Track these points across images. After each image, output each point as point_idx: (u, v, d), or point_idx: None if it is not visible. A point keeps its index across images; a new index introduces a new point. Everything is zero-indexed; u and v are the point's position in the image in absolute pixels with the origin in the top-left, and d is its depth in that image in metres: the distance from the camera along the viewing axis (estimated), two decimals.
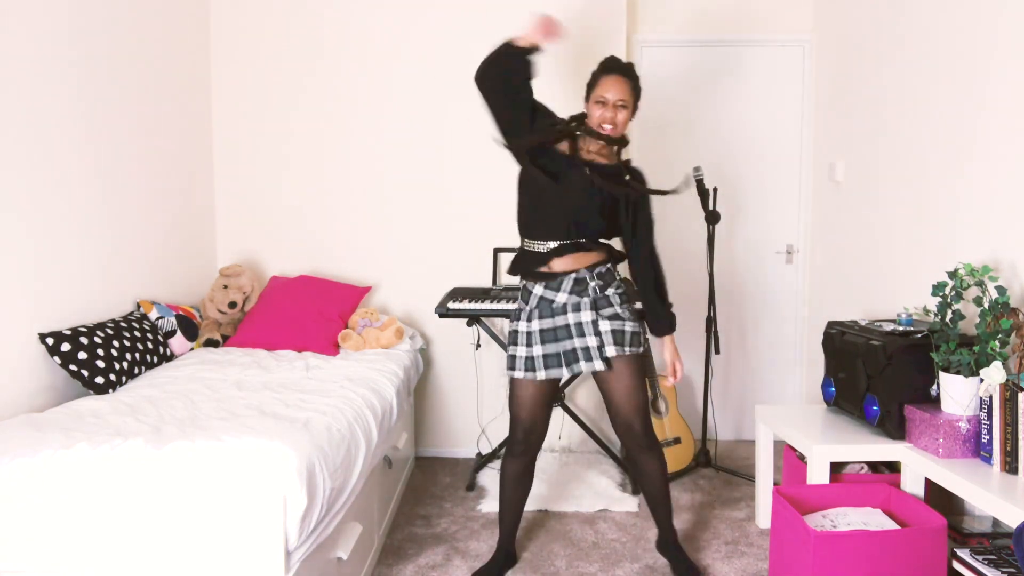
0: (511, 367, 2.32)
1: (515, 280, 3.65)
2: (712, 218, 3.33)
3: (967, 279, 2.25)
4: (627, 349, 2.27)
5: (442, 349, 3.74)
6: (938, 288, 2.31)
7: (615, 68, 2.27)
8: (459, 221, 3.68)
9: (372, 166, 3.69)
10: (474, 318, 3.37)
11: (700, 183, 3.29)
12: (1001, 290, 2.14)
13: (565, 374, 2.28)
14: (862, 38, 3.29)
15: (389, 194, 3.70)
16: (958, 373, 2.18)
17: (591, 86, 2.30)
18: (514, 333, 2.33)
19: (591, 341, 2.26)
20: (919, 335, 2.37)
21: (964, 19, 2.56)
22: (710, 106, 3.87)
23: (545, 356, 2.27)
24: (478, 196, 3.67)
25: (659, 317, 2.38)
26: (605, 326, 2.26)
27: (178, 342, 3.02)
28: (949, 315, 2.30)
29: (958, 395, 2.18)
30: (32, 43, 2.39)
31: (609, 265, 2.34)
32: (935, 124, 2.72)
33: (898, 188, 2.97)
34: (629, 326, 2.30)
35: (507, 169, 3.70)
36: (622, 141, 2.33)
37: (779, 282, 3.94)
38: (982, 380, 2.08)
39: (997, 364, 2.04)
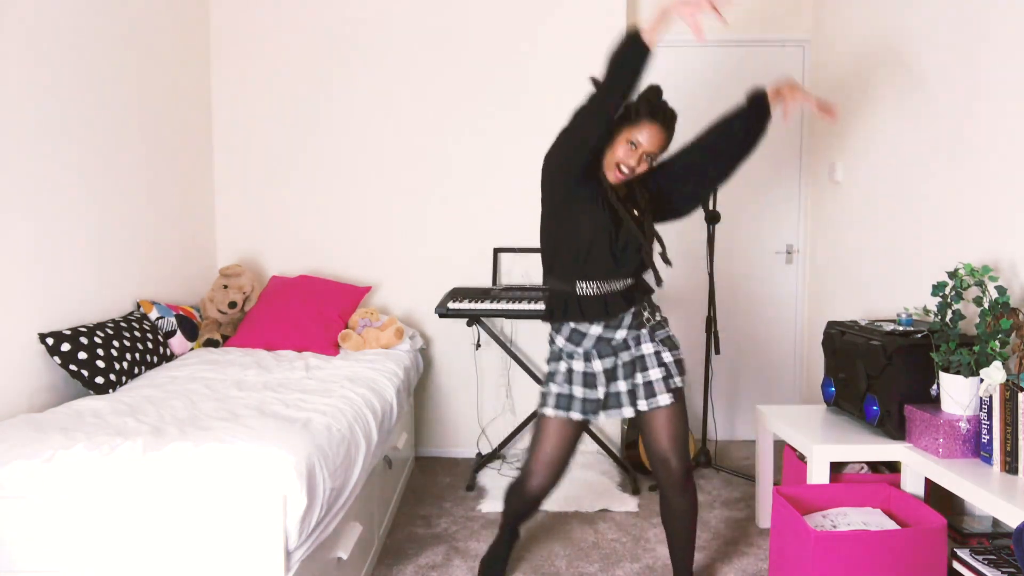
0: (564, 407, 2.13)
1: (514, 280, 3.67)
2: (712, 218, 3.33)
3: (967, 279, 2.25)
4: (683, 379, 2.19)
5: (442, 349, 3.74)
6: (938, 288, 2.31)
7: (660, 116, 2.05)
8: (459, 221, 3.68)
9: (372, 166, 3.69)
10: (474, 318, 3.37)
11: None
12: (1001, 290, 2.14)
13: (628, 413, 2.14)
14: (862, 38, 3.29)
15: (389, 194, 3.70)
16: (958, 373, 2.18)
17: (629, 120, 2.04)
18: (568, 372, 2.14)
19: (655, 374, 2.12)
20: (919, 335, 2.37)
21: (964, 19, 2.56)
22: (710, 106, 3.86)
23: (608, 396, 2.15)
24: (478, 196, 3.67)
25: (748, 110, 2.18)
26: (668, 357, 2.16)
27: (178, 342, 3.02)
28: (949, 315, 2.30)
29: (958, 395, 2.18)
30: (32, 43, 2.39)
31: (645, 287, 2.22)
32: (935, 124, 2.72)
33: (898, 188, 2.97)
34: (680, 354, 2.20)
35: (507, 169, 3.73)
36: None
37: (779, 282, 3.94)
38: (982, 380, 2.08)
39: (997, 364, 2.04)
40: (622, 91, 1.94)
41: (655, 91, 2.10)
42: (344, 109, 3.67)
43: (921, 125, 2.81)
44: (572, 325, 2.14)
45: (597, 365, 2.13)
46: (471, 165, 3.66)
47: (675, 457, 2.16)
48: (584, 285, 2.10)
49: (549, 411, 2.16)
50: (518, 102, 3.64)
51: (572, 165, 2.05)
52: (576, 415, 2.14)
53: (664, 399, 2.12)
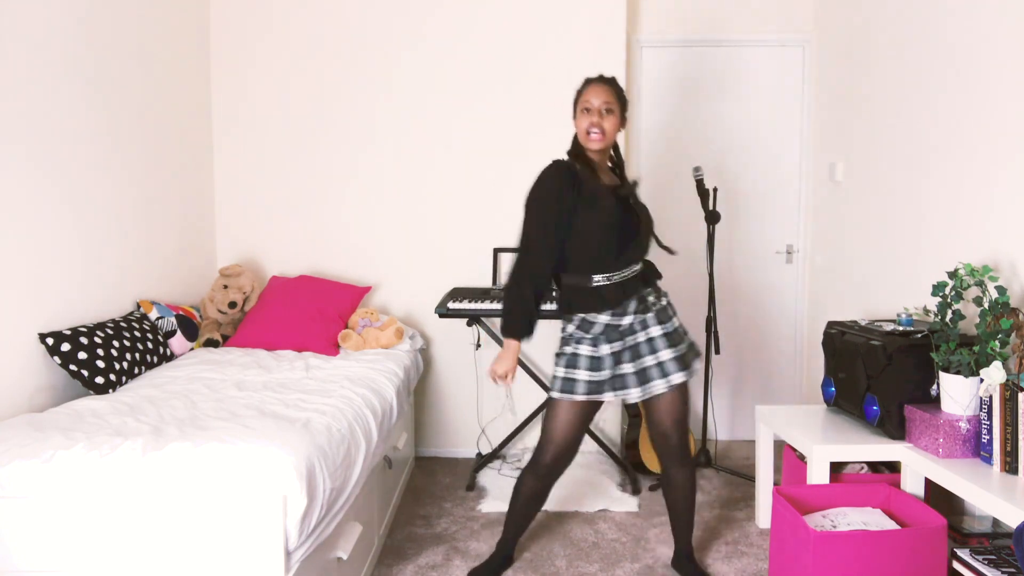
0: (568, 390, 2.25)
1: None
2: (712, 218, 3.33)
3: (967, 279, 2.25)
4: (689, 373, 2.30)
5: (442, 349, 3.74)
6: (938, 288, 2.31)
7: (595, 78, 2.32)
8: (459, 221, 3.68)
9: (372, 166, 3.69)
10: (474, 318, 3.37)
11: (700, 183, 3.29)
12: (1001, 290, 2.14)
13: (635, 395, 2.25)
14: (862, 38, 3.29)
15: (389, 194, 3.70)
16: (958, 373, 2.18)
17: (576, 102, 2.32)
18: (573, 356, 2.27)
19: (665, 354, 2.25)
20: (919, 335, 2.37)
21: (964, 18, 2.56)
22: (710, 106, 3.87)
23: (613, 378, 2.25)
24: (478, 196, 3.67)
25: None
26: (676, 351, 2.27)
27: (178, 342, 3.02)
28: (949, 315, 2.30)
29: (958, 395, 2.18)
30: (32, 44, 2.39)
31: (652, 272, 2.37)
32: (935, 124, 2.72)
33: (898, 188, 2.97)
34: (691, 337, 2.36)
35: (507, 169, 3.73)
36: (616, 156, 2.39)
37: (779, 282, 3.94)
38: (982, 380, 2.08)
39: (997, 364, 2.04)
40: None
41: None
42: (344, 109, 3.67)
43: (921, 125, 2.81)
44: (582, 315, 2.27)
45: (605, 349, 2.26)
46: (471, 165, 3.66)
47: (675, 433, 2.33)
48: (598, 278, 2.24)
49: (555, 394, 2.29)
50: (518, 102, 3.64)
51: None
52: (579, 397, 2.25)
53: (677, 377, 2.24)
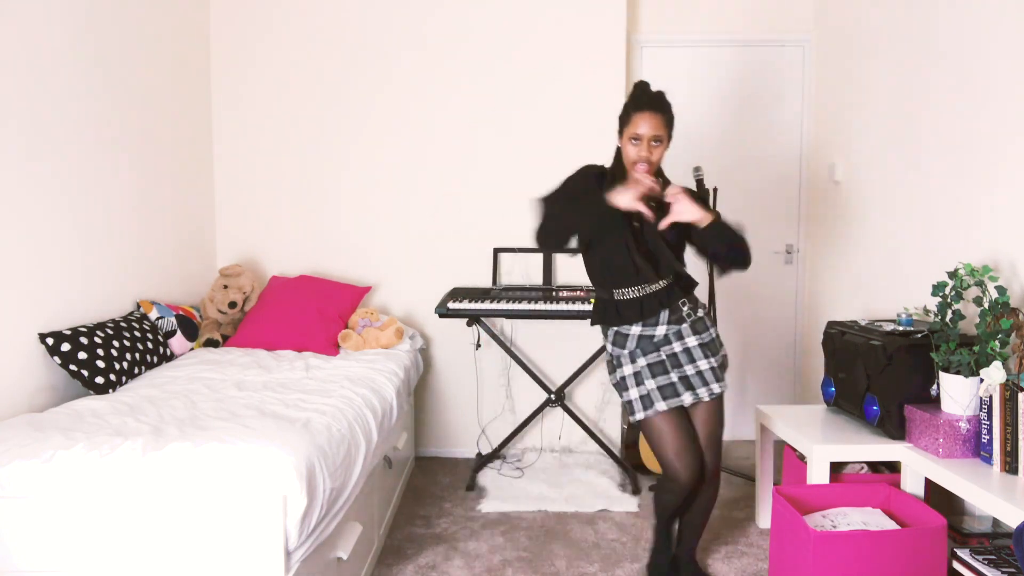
0: (647, 406, 2.22)
1: (515, 280, 3.67)
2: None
3: (967, 279, 2.25)
4: (724, 385, 2.28)
5: (442, 349, 3.74)
6: (938, 288, 2.31)
7: (646, 104, 2.17)
8: (459, 221, 3.68)
9: (372, 166, 3.69)
10: (474, 318, 3.37)
11: (700, 183, 3.28)
12: (1001, 290, 2.14)
13: (688, 400, 2.21)
14: (862, 38, 3.29)
15: (389, 194, 3.70)
16: (958, 373, 2.18)
17: (623, 122, 2.21)
18: (622, 380, 2.27)
19: (704, 364, 2.24)
20: (919, 335, 2.37)
21: (964, 18, 2.56)
22: (710, 106, 3.87)
23: (660, 388, 2.22)
24: (478, 196, 3.67)
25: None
26: (715, 361, 2.26)
27: (178, 342, 3.02)
28: (949, 315, 2.30)
29: (958, 395, 2.18)
30: (32, 44, 2.39)
31: (687, 283, 2.32)
32: (935, 123, 2.72)
33: (898, 188, 2.97)
34: (725, 351, 2.34)
35: (507, 169, 3.73)
36: (658, 175, 2.28)
37: (779, 282, 3.93)
38: (982, 380, 2.08)
39: (997, 364, 2.04)
40: (555, 238, 2.20)
41: (636, 86, 2.24)
42: (344, 109, 3.67)
43: (921, 125, 2.81)
44: (615, 328, 2.28)
45: (641, 361, 2.25)
46: (471, 165, 3.66)
47: (709, 453, 2.27)
48: (620, 292, 2.25)
49: (640, 415, 2.24)
50: (519, 102, 3.63)
51: (563, 243, 2.24)
52: (661, 406, 2.21)
53: (707, 392, 2.23)
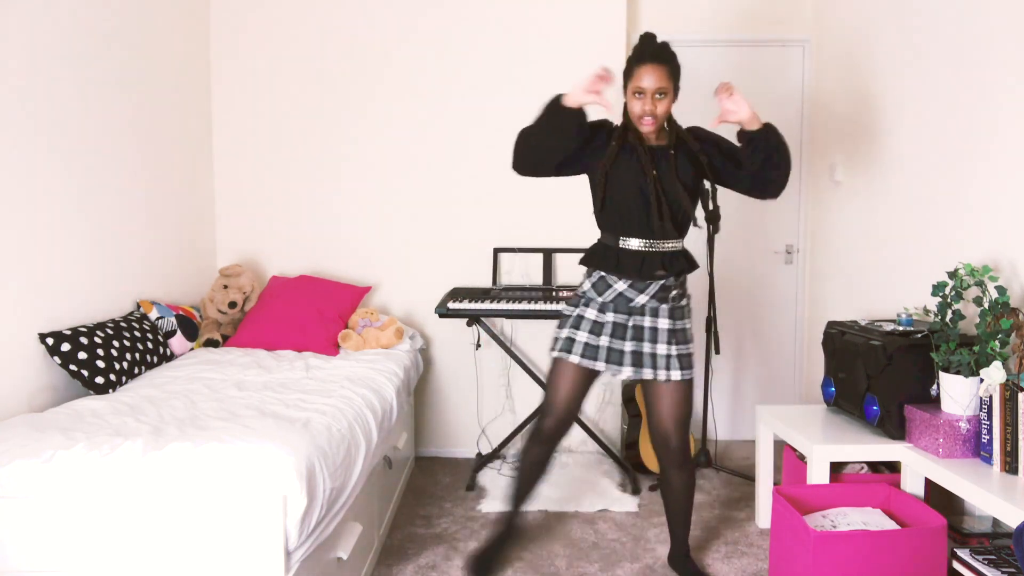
0: (566, 349, 2.25)
1: (514, 280, 3.67)
2: (712, 218, 3.32)
3: (967, 279, 2.25)
4: (690, 373, 2.27)
5: (442, 349, 3.74)
6: (938, 288, 2.31)
7: (648, 56, 2.15)
8: (459, 221, 3.68)
9: (372, 166, 3.69)
10: (474, 318, 3.37)
11: None
12: (1001, 290, 2.14)
13: (627, 374, 2.24)
14: (862, 38, 3.29)
15: (389, 194, 3.70)
16: (958, 373, 2.18)
17: (626, 76, 2.20)
18: (578, 318, 2.26)
19: (662, 349, 2.23)
20: (919, 335, 2.37)
21: (964, 17, 2.56)
22: (710, 106, 3.86)
23: (609, 349, 2.23)
24: (478, 196, 3.67)
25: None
26: (678, 349, 2.24)
27: (178, 342, 3.02)
28: (949, 315, 2.30)
29: (958, 395, 2.18)
30: (32, 44, 2.39)
31: (686, 272, 2.31)
32: (935, 123, 2.72)
33: (898, 188, 2.97)
34: (693, 348, 2.31)
35: (507, 169, 3.71)
36: (668, 121, 2.28)
37: (779, 282, 3.93)
38: (982, 380, 2.08)
39: (997, 364, 2.04)
40: (547, 134, 2.16)
41: (641, 37, 2.23)
42: (344, 109, 3.67)
43: (921, 125, 2.81)
44: (602, 273, 2.25)
45: (609, 316, 2.24)
46: (471, 164, 3.66)
47: (675, 437, 2.30)
48: (627, 241, 2.22)
49: (555, 353, 2.29)
50: (518, 101, 3.62)
51: (544, 166, 2.22)
52: (575, 358, 2.24)
53: (664, 375, 2.22)
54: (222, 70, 3.66)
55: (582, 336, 2.25)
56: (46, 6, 2.46)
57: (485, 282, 3.67)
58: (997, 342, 2.11)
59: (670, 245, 2.24)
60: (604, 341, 2.24)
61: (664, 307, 2.25)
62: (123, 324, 2.69)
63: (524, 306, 3.17)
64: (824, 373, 2.77)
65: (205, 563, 1.77)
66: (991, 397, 2.07)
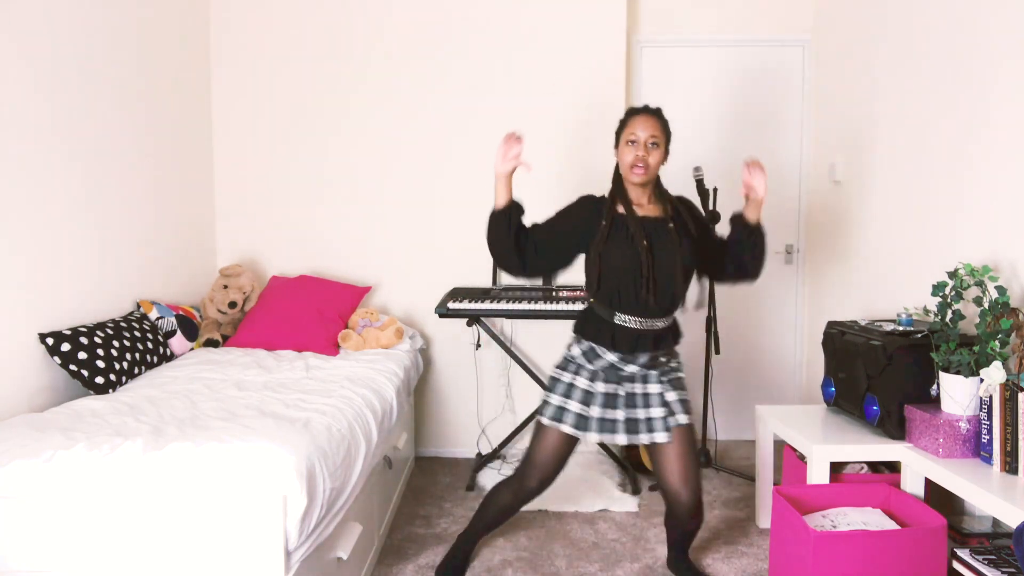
0: (557, 419, 2.22)
1: (514, 280, 3.66)
2: (712, 218, 3.32)
3: (967, 279, 2.25)
4: (690, 417, 2.24)
5: (442, 349, 3.74)
6: (938, 288, 2.31)
7: (643, 109, 2.21)
8: (459, 221, 3.68)
9: (372, 166, 3.69)
10: (474, 318, 3.37)
11: (700, 183, 3.29)
12: (1001, 290, 2.14)
13: (622, 440, 2.20)
14: (862, 38, 3.29)
15: (389, 194, 3.70)
16: (958, 373, 2.18)
17: (620, 130, 2.22)
18: (569, 386, 2.23)
19: (656, 412, 2.20)
20: (919, 335, 2.37)
21: (964, 18, 2.56)
22: (710, 106, 3.87)
23: (601, 420, 2.20)
24: (478, 196, 3.65)
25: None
26: (672, 396, 2.22)
27: (178, 342, 3.02)
28: (949, 315, 2.30)
29: (958, 395, 2.18)
30: (31, 43, 2.39)
31: (673, 346, 2.29)
32: (935, 124, 2.72)
33: (898, 188, 2.97)
34: (687, 396, 2.28)
35: None
36: (658, 188, 2.25)
37: (779, 282, 3.93)
38: (982, 380, 2.08)
39: (997, 364, 2.04)
40: (501, 250, 2.27)
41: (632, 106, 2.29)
42: (344, 109, 3.67)
43: (921, 125, 2.81)
44: (593, 345, 2.22)
45: (600, 387, 2.22)
46: (471, 165, 3.66)
47: (686, 490, 2.22)
48: (622, 317, 2.17)
49: (545, 420, 2.26)
50: (518, 101, 3.64)
51: (518, 271, 2.32)
52: (567, 428, 2.22)
53: (658, 437, 2.19)
54: (222, 70, 3.66)
55: (574, 406, 2.22)
56: (47, 10, 2.46)
57: (485, 282, 3.67)
58: (997, 342, 2.11)
59: (660, 324, 2.19)
60: (595, 412, 2.21)
61: (654, 372, 2.23)
62: (123, 324, 2.69)
63: (524, 306, 3.17)
64: (824, 373, 2.77)
65: (205, 563, 1.77)
66: (991, 397, 2.07)
